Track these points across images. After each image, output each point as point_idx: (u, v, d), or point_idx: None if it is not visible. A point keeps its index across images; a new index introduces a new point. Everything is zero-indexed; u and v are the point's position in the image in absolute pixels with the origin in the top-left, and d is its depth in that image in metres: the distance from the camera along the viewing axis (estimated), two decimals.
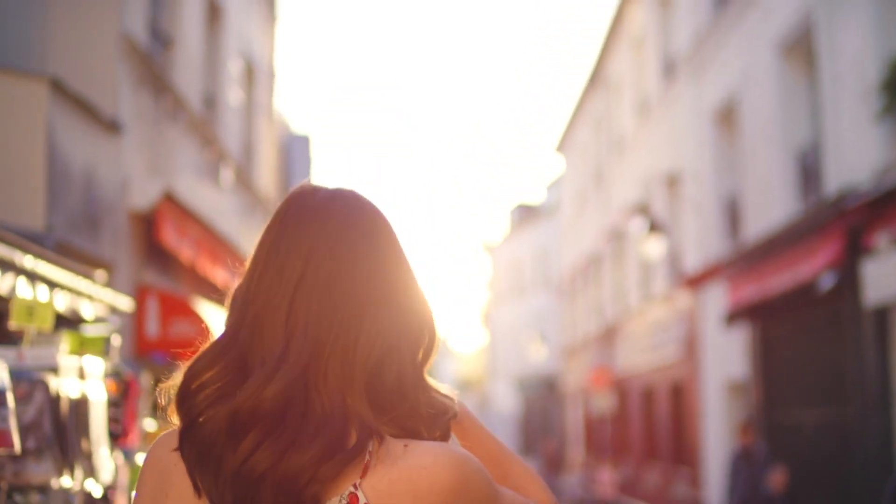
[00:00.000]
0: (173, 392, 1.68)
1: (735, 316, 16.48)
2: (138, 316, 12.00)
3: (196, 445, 1.61)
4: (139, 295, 12.06)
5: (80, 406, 5.02)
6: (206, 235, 13.80)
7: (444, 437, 1.68)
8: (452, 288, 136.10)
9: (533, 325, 43.97)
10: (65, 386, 4.88)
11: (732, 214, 18.67)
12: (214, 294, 7.47)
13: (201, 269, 13.33)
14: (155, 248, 12.32)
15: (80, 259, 9.68)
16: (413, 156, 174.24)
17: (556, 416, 40.64)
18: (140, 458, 6.00)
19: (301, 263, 1.64)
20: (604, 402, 27.80)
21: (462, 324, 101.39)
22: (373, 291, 1.65)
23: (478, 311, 66.62)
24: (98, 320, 8.20)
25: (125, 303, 8.82)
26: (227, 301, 1.72)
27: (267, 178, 21.33)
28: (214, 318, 11.56)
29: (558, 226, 40.92)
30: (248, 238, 18.07)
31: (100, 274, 8.64)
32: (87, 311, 6.84)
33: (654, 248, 20.17)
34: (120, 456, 7.46)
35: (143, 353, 11.93)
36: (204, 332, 1.78)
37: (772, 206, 15.83)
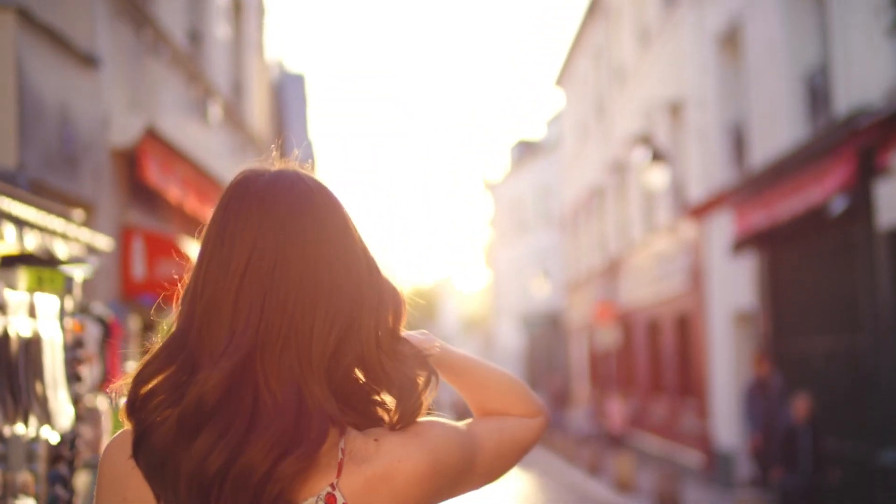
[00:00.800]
0: (123, 397, 1.64)
1: (742, 244, 16.06)
2: (124, 257, 11.66)
3: (149, 454, 1.57)
4: (124, 235, 11.69)
5: (33, 346, 4.63)
6: (194, 173, 13.31)
7: (416, 410, 1.65)
8: (455, 228, 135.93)
9: (536, 262, 43.73)
10: (14, 324, 4.47)
11: (737, 141, 18.20)
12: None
13: (190, 208, 12.88)
14: (140, 187, 11.91)
15: (58, 198, 9.33)
16: (412, 94, 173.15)
17: (560, 353, 40.48)
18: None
19: (245, 255, 1.60)
20: (608, 337, 27.52)
21: (465, 263, 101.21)
22: (324, 276, 1.61)
23: (481, 250, 66.55)
24: (75, 261, 7.82)
25: (104, 242, 8.43)
26: (176, 299, 1.68)
27: (259, 116, 20.81)
28: None
29: (559, 161, 40.51)
30: None
31: (77, 213, 8.26)
32: (62, 251, 6.54)
33: (657, 178, 19.68)
34: (104, 401, 7.13)
35: (131, 295, 11.55)
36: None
37: (779, 131, 15.36)
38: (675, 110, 21.97)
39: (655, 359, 25.27)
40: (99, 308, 8.02)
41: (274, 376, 1.56)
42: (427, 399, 1.67)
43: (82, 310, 7.66)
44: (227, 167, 16.69)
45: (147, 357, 1.63)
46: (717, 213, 18.39)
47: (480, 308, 69.12)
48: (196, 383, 1.54)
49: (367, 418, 1.64)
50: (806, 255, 14.81)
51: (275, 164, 1.75)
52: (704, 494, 17.75)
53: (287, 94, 30.25)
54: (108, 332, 7.80)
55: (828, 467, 12.09)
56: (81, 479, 6.29)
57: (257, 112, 20.62)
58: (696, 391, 20.91)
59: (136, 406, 1.60)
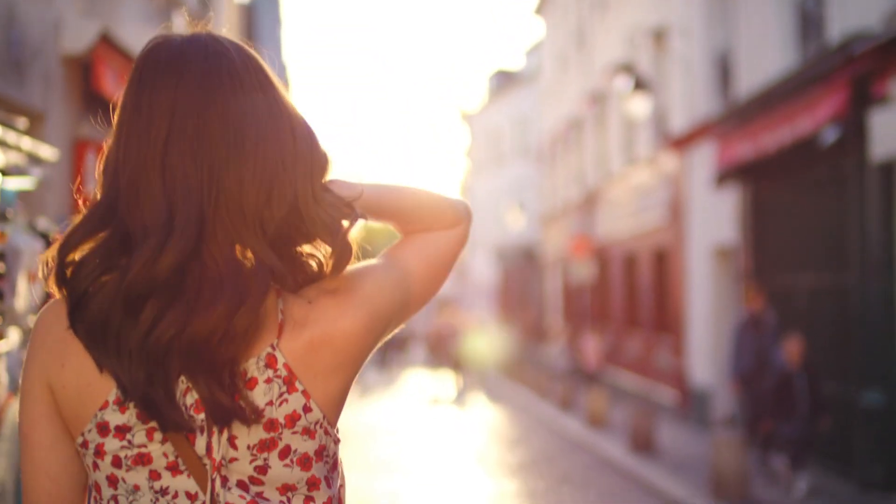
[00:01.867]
0: (51, 264, 1.62)
1: (725, 176, 15.53)
2: (77, 171, 11.03)
3: (88, 323, 1.57)
4: (76, 148, 11.08)
5: None
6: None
7: (346, 254, 1.66)
8: (431, 159, 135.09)
9: (512, 195, 43.21)
10: None
11: (723, 70, 17.63)
12: None
13: None
14: (94, 98, 11.22)
15: (2, 105, 8.71)
16: (389, 21, 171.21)
17: (534, 286, 40.13)
18: None
19: (165, 122, 1.58)
20: (584, 271, 27.08)
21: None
22: (248, 130, 1.60)
23: (457, 182, 66.10)
24: (15, 171, 7.30)
25: (49, 153, 7.86)
26: (98, 168, 1.66)
27: (228, 33, 19.96)
28: None
29: (538, 92, 39.82)
30: None
31: (20, 121, 7.69)
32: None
33: (639, 106, 19.13)
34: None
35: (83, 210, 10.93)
36: None
37: (768, 59, 14.79)
38: (659, 38, 21.26)
39: (631, 294, 24.86)
40: (43, 223, 7.52)
41: (212, 238, 1.56)
42: (354, 241, 1.69)
43: (27, 224, 7.16)
44: None
45: (72, 226, 1.61)
46: (700, 145, 17.86)
47: None
48: (142, 258, 1.53)
49: (302, 273, 1.66)
50: (792, 188, 14.30)
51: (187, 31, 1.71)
52: (679, 432, 17.39)
53: (259, 12, 29.46)
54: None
55: (824, 414, 11.61)
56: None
57: (226, 28, 19.75)
58: (672, 328, 20.52)
59: (67, 273, 1.59)
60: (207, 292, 1.53)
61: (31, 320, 6.82)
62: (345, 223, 1.66)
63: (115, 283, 1.54)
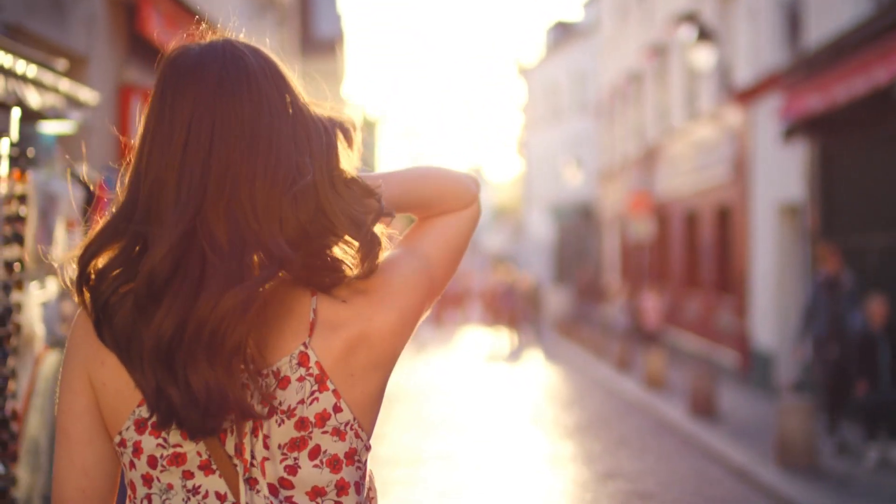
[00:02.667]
0: (73, 274, 1.65)
1: (793, 130, 14.88)
2: (121, 117, 10.74)
3: (115, 336, 1.59)
4: (122, 94, 10.80)
5: None
6: (204, 31, 12.18)
7: (375, 249, 1.68)
8: (487, 115, 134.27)
9: (569, 151, 42.57)
10: None
11: (792, 18, 16.91)
12: None
13: None
14: (140, 42, 10.89)
15: (43, 48, 8.37)
16: None
17: (592, 244, 39.58)
18: None
19: (185, 127, 1.61)
20: (642, 228, 26.52)
21: (496, 152, 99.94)
22: (261, 129, 1.63)
23: (513, 138, 65.57)
24: (54, 115, 6.98)
25: (89, 96, 7.53)
26: (121, 181, 1.68)
27: (245, 38, 19.47)
28: None
29: (597, 45, 38.99)
30: (258, 43, 16.50)
31: (60, 62, 7.36)
32: (36, 101, 5.79)
33: (703, 58, 18.47)
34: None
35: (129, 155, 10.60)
36: None
37: (840, 6, 14.12)
38: None
39: (692, 253, 24.23)
40: (83, 170, 7.23)
41: (221, 232, 1.57)
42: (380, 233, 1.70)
43: (67, 171, 6.89)
44: (244, 28, 15.52)
45: (92, 233, 1.64)
46: (766, 98, 17.18)
47: (511, 198, 68.49)
48: (147, 260, 1.56)
49: (334, 273, 1.67)
50: (864, 142, 13.68)
51: (206, 38, 1.74)
52: (740, 396, 16.86)
53: None
54: (93, 197, 7.01)
55: None
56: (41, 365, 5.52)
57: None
58: (734, 288, 19.93)
59: (89, 283, 1.62)
60: (208, 285, 1.55)
61: (69, 270, 6.51)
62: (369, 216, 1.66)
63: (131, 292, 1.58)
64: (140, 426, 1.61)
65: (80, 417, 1.66)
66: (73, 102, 7.51)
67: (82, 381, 1.66)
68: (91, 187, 7.11)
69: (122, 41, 10.85)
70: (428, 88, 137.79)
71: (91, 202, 6.62)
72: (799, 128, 14.77)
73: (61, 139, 7.88)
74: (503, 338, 30.54)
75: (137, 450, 1.62)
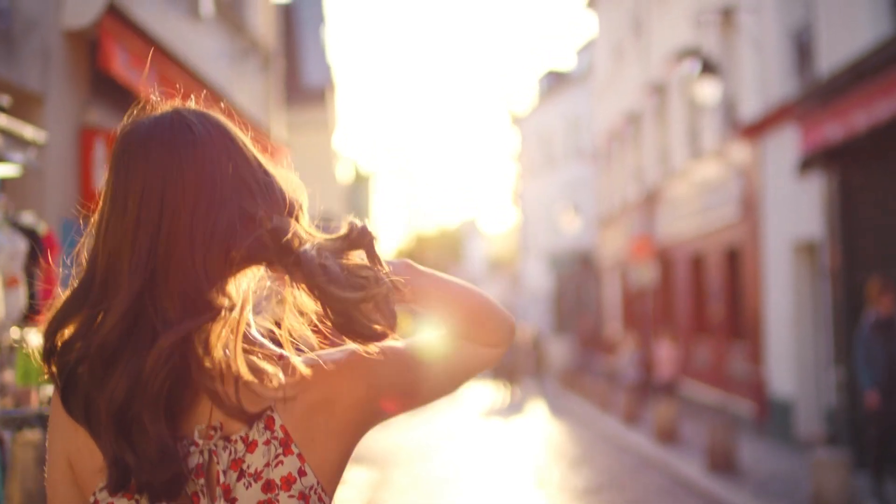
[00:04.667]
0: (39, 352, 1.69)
1: (811, 162, 13.97)
2: (83, 161, 9.84)
3: (76, 406, 1.61)
4: (84, 136, 9.91)
5: None
6: (177, 71, 11.23)
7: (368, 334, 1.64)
8: (480, 166, 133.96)
9: (565, 198, 41.89)
10: None
11: (801, 47, 16.09)
12: None
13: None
14: (104, 81, 9.96)
15: None
16: (437, 19, 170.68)
17: (591, 292, 38.75)
18: None
19: (136, 206, 1.63)
20: (645, 274, 25.60)
21: (491, 203, 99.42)
22: (203, 195, 1.62)
23: (507, 189, 65.38)
24: None
25: (36, 135, 6.72)
26: (81, 256, 1.70)
27: (264, 23, 18.68)
28: None
29: (590, 91, 38.50)
30: (240, 88, 15.69)
31: (2, 98, 6.55)
32: None
33: (708, 92, 17.61)
34: (32, 334, 5.43)
35: (91, 205, 9.64)
36: None
37: (854, 31, 13.27)
38: (727, 16, 19.66)
39: (699, 297, 23.23)
40: (28, 218, 6.34)
41: (170, 299, 1.58)
42: (385, 318, 1.64)
43: (4, 219, 6.04)
44: (221, 72, 14.66)
45: (57, 304, 1.65)
46: (776, 131, 16.35)
47: (507, 249, 68.27)
48: (99, 329, 1.59)
49: (303, 339, 1.69)
50: (887, 172, 12.77)
51: (159, 108, 1.72)
52: (759, 449, 15.80)
53: (301, 14, 28.32)
54: (41, 247, 6.10)
55: None
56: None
57: (262, 17, 18.49)
58: (747, 333, 18.93)
59: (52, 356, 1.63)
60: (151, 339, 1.56)
61: (13, 332, 5.55)
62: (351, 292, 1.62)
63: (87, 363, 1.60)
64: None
65: (59, 485, 1.68)
66: (16, 142, 6.63)
67: (59, 453, 1.68)
68: (38, 237, 6.18)
69: (84, 79, 9.96)
70: (421, 140, 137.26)
71: (37, 254, 5.71)
72: (816, 159, 13.88)
73: (5, 183, 6.98)
74: (504, 392, 29.77)
75: None
